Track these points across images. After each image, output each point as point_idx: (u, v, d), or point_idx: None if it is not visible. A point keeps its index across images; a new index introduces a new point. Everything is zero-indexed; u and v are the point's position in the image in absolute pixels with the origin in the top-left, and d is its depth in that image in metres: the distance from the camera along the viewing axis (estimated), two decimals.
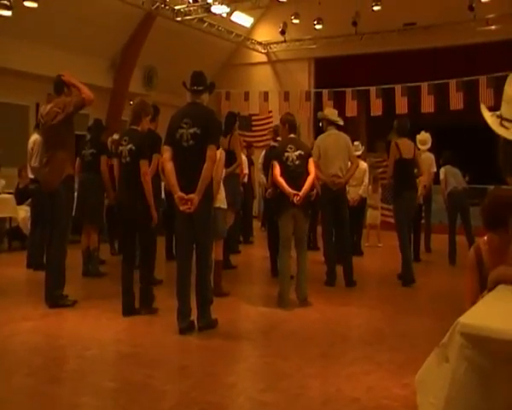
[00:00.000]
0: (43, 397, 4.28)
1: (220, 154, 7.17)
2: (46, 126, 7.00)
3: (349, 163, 8.60)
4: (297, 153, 7.29)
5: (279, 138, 9.35)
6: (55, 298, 6.82)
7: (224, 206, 7.59)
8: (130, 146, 6.57)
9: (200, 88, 6.03)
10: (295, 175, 7.24)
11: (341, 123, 8.86)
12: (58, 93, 7.09)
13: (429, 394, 2.41)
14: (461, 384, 2.17)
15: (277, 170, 7.35)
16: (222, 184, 7.47)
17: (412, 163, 8.65)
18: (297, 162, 7.26)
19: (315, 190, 10.26)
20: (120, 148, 6.67)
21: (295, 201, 7.10)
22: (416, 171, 8.83)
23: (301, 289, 7.31)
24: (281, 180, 7.27)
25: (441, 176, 10.91)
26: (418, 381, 2.58)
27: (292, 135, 7.57)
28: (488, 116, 2.68)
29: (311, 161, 7.43)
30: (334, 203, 8.48)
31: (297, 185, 7.18)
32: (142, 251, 6.81)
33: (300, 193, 7.12)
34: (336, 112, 9.10)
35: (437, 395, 2.31)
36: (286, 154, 7.32)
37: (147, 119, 6.95)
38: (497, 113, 2.66)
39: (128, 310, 6.53)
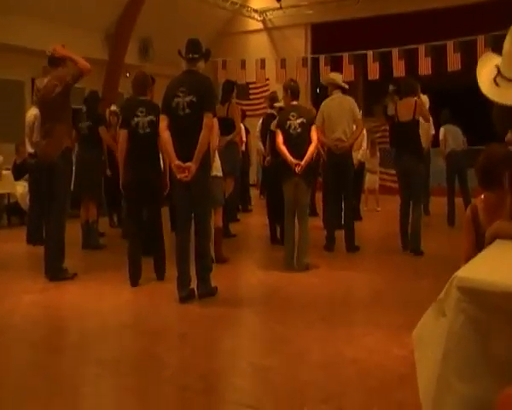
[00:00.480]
0: (45, 369, 4.29)
1: (214, 122, 7.14)
2: (44, 99, 6.91)
3: (354, 126, 8.46)
4: (299, 121, 7.23)
5: (276, 105, 9.30)
6: (55, 271, 6.81)
7: (220, 174, 7.58)
8: (150, 117, 6.53)
9: (196, 56, 5.95)
10: (297, 143, 7.20)
11: (346, 87, 8.72)
12: (53, 65, 6.98)
13: (427, 348, 2.42)
14: (458, 338, 2.17)
15: (280, 138, 7.33)
16: (217, 152, 7.43)
17: (411, 126, 8.18)
18: (299, 130, 7.22)
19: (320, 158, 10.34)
20: (136, 119, 6.57)
21: (297, 170, 7.10)
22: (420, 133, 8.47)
23: (301, 258, 7.31)
24: (283, 149, 7.24)
25: (440, 136, 10.79)
26: (415, 337, 2.58)
27: (295, 102, 7.50)
28: (483, 73, 2.63)
29: (313, 128, 7.37)
30: (339, 168, 8.38)
31: (299, 154, 7.15)
32: (154, 222, 6.82)
33: (302, 162, 7.10)
34: (341, 76, 8.99)
35: (434, 349, 2.31)
36: (288, 122, 7.27)
37: (152, 88, 6.93)
38: (498, 63, 2.60)
39: (136, 281, 6.55)
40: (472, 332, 2.15)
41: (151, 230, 6.90)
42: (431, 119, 9.91)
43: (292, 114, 7.30)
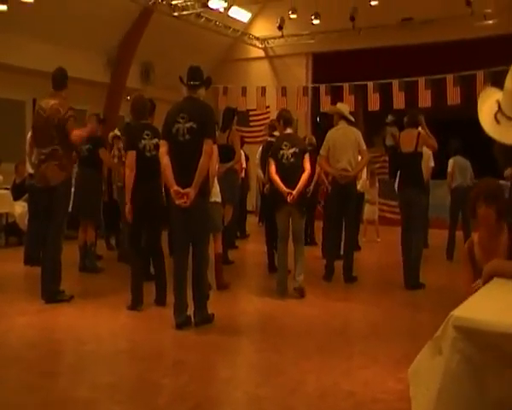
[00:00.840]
0: (38, 391, 4.27)
1: (214, 149, 7.19)
2: (48, 121, 6.89)
3: (359, 158, 8.48)
4: (291, 150, 7.33)
5: (276, 133, 9.36)
6: (52, 293, 6.81)
7: (219, 199, 7.62)
8: (156, 140, 6.60)
9: (197, 83, 6.02)
10: (290, 172, 7.29)
11: (353, 119, 8.76)
12: (58, 88, 7.02)
13: (422, 385, 2.43)
14: (453, 376, 2.18)
15: (273, 168, 7.44)
16: (216, 178, 7.47)
17: (413, 157, 8.04)
18: (292, 160, 7.32)
19: (312, 185, 10.38)
20: (143, 142, 6.67)
21: (288, 200, 7.18)
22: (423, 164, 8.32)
23: (298, 277, 7.37)
24: (275, 178, 7.35)
25: (449, 168, 10.63)
26: (411, 373, 2.59)
27: (288, 130, 7.59)
28: (484, 109, 2.64)
29: (306, 157, 7.45)
30: (342, 197, 8.40)
31: (292, 183, 7.24)
32: (155, 244, 6.86)
33: (294, 192, 7.19)
34: (348, 108, 9.04)
35: (430, 386, 2.32)
36: (281, 151, 7.38)
37: (151, 113, 7.00)
38: (500, 98, 2.61)
39: (138, 304, 6.57)
40: (467, 371, 2.16)
41: (152, 254, 6.94)
42: (430, 151, 9.80)
43: (285, 143, 7.40)
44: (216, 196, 7.46)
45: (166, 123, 5.98)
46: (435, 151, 8.37)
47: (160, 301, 6.73)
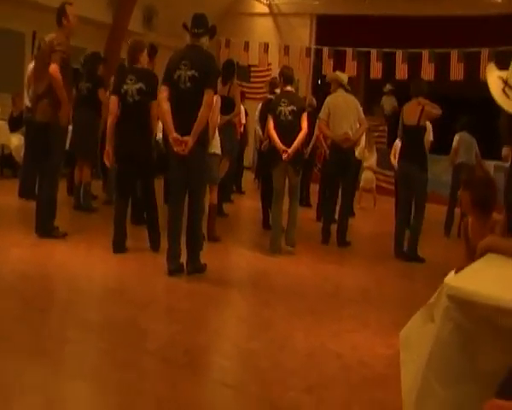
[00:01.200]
0: (29, 324, 4.35)
1: (216, 99, 7.16)
2: (44, 55, 6.82)
3: (358, 125, 8.46)
4: (289, 108, 7.33)
5: (277, 91, 9.33)
6: (46, 229, 6.84)
7: (219, 152, 7.62)
8: (140, 85, 6.48)
9: (201, 31, 5.95)
10: (287, 130, 7.30)
11: (349, 88, 8.72)
12: (58, 24, 6.89)
13: (413, 351, 2.49)
14: (444, 344, 2.23)
15: (271, 123, 7.45)
16: (217, 130, 7.47)
17: (416, 130, 7.88)
18: (289, 118, 7.32)
19: (310, 146, 10.42)
20: (125, 87, 6.53)
21: (283, 157, 7.21)
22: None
23: (290, 235, 7.48)
24: (273, 134, 7.37)
25: (454, 143, 10.42)
26: (403, 338, 2.66)
27: (288, 88, 7.56)
28: (493, 81, 2.66)
29: (304, 116, 7.44)
30: (341, 163, 8.38)
31: (289, 140, 7.26)
32: (146, 191, 6.85)
33: (289, 150, 7.21)
34: (347, 77, 8.94)
35: (420, 352, 2.37)
36: (279, 108, 7.37)
37: (143, 55, 6.83)
38: (504, 75, 2.64)
39: (119, 247, 6.55)
40: (459, 340, 2.22)
41: (144, 201, 6.95)
42: (430, 124, 9.39)
43: (283, 100, 7.40)
44: (216, 147, 7.46)
45: (168, 69, 5.92)
46: (438, 117, 8.17)
47: (154, 246, 6.77)
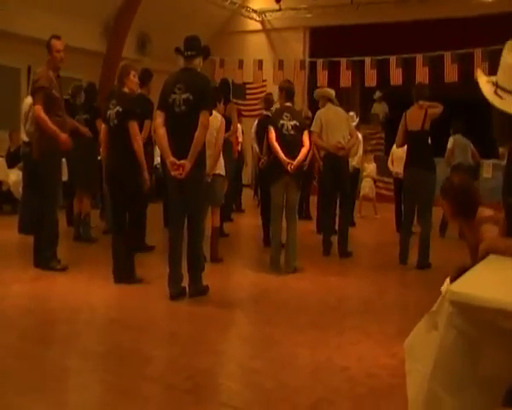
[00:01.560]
0: (30, 359, 4.29)
1: (221, 121, 7.19)
2: (33, 88, 6.88)
3: (349, 137, 8.56)
4: (292, 123, 7.27)
5: (273, 109, 9.33)
6: (47, 260, 6.80)
7: (223, 172, 7.60)
8: (117, 108, 6.40)
9: (193, 53, 5.93)
10: (290, 144, 7.24)
11: (338, 103, 8.88)
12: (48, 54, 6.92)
13: (417, 361, 2.43)
14: (448, 352, 2.18)
15: (273, 135, 7.35)
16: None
17: (421, 135, 7.85)
18: (292, 132, 7.27)
19: (307, 160, 10.40)
20: (108, 112, 6.48)
21: (289, 169, 7.13)
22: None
23: (289, 260, 7.33)
24: (276, 146, 7.28)
25: (449, 145, 10.56)
26: (407, 347, 2.60)
27: (288, 103, 7.53)
28: (484, 83, 2.65)
29: (306, 133, 7.43)
30: (336, 172, 8.43)
31: (291, 154, 7.20)
32: (130, 218, 6.58)
33: (295, 162, 7.15)
34: (334, 92, 9.05)
35: (425, 361, 2.33)
36: (281, 121, 7.31)
37: (129, 78, 6.77)
38: (493, 79, 2.64)
39: (119, 277, 6.45)
40: (463, 347, 2.16)
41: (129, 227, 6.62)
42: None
43: (286, 114, 7.34)
44: (220, 169, 7.45)
45: (163, 93, 5.92)
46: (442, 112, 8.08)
47: (126, 277, 6.43)
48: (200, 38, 6.17)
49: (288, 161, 7.15)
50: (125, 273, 6.43)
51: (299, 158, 7.20)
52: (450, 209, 3.82)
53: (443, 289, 3.22)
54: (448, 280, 3.16)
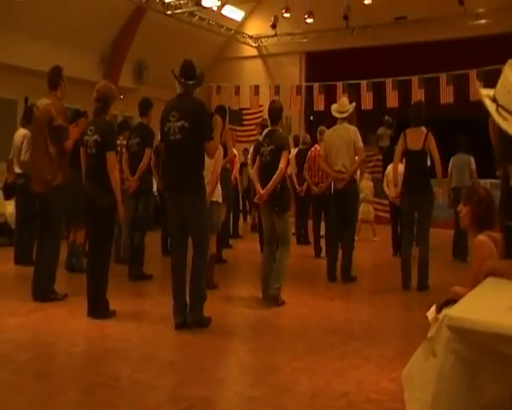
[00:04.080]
0: (29, 393, 4.22)
1: (219, 149, 7.12)
2: (41, 121, 6.81)
3: (355, 157, 8.38)
4: (269, 148, 7.02)
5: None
6: (47, 292, 6.75)
7: (220, 200, 7.57)
8: (95, 137, 6.23)
9: (193, 83, 5.87)
10: (266, 171, 7.01)
11: (341, 116, 8.50)
12: (52, 87, 6.89)
13: (416, 389, 2.40)
14: (448, 378, 2.16)
15: (255, 165, 7.28)
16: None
17: (421, 155, 7.81)
18: (268, 158, 7.01)
19: (304, 185, 10.47)
20: (86, 138, 6.32)
21: (255, 199, 7.03)
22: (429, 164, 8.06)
23: (268, 289, 7.00)
24: (253, 176, 7.25)
25: (449, 167, 10.54)
26: (405, 376, 2.57)
27: (272, 126, 7.26)
28: (490, 104, 2.57)
29: (283, 155, 6.97)
30: (340, 198, 8.34)
31: (267, 181, 6.93)
32: (94, 249, 6.39)
33: (262, 191, 6.92)
34: (343, 101, 8.84)
35: (424, 389, 2.30)
36: (262, 148, 7.15)
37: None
38: (491, 94, 2.58)
39: (90, 310, 6.23)
40: (462, 373, 2.14)
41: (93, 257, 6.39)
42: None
43: (266, 140, 7.15)
44: (218, 196, 7.41)
45: (161, 122, 5.90)
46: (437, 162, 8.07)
47: (91, 312, 6.22)
48: (196, 65, 6.05)
49: (258, 190, 6.98)
50: (97, 307, 6.20)
51: (268, 186, 6.87)
52: (470, 216, 3.80)
53: (428, 314, 3.20)
54: (434, 307, 3.13)
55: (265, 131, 7.59)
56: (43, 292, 6.77)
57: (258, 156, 7.24)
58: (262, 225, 9.37)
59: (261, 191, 6.93)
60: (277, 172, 6.87)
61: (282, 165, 6.92)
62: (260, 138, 9.34)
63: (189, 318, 5.83)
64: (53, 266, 6.83)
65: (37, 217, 7.30)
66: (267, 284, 7.03)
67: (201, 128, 5.74)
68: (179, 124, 5.69)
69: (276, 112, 7.30)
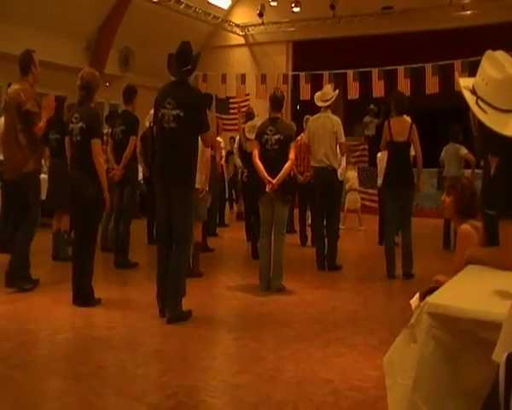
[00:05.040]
0: (11, 383, 4.20)
1: (220, 140, 7.11)
2: (10, 107, 6.73)
3: (337, 148, 8.38)
4: (276, 137, 6.96)
5: (256, 121, 9.31)
6: (17, 279, 6.63)
7: (206, 187, 7.54)
8: (80, 124, 6.20)
9: (188, 68, 5.75)
10: (273, 160, 6.95)
11: (325, 104, 8.41)
12: (23, 73, 6.75)
13: (397, 375, 2.42)
14: (428, 364, 2.17)
15: (256, 152, 7.13)
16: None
17: (405, 146, 7.88)
18: (275, 147, 6.96)
19: (291, 173, 10.40)
20: (71, 125, 6.30)
21: (267, 189, 6.91)
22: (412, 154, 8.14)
23: (275, 280, 7.08)
24: (258, 164, 7.03)
25: (441, 156, 10.69)
26: (386, 363, 2.58)
27: (275, 114, 7.24)
28: (469, 97, 2.60)
29: (292, 146, 7.04)
30: (324, 188, 8.37)
31: (275, 171, 6.91)
32: (80, 237, 6.39)
33: (274, 181, 6.88)
34: (326, 89, 8.77)
35: (405, 375, 2.31)
36: (265, 136, 7.03)
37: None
38: (470, 85, 2.60)
39: (76, 298, 6.23)
40: (442, 359, 2.16)
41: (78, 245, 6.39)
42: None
43: (270, 128, 7.03)
44: (198, 183, 7.37)
45: (154, 106, 5.82)
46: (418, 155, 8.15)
47: (79, 302, 6.22)
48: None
49: (268, 179, 6.90)
50: (82, 295, 6.20)
51: (280, 175, 6.87)
52: (454, 206, 3.84)
53: (412, 302, 3.23)
54: (417, 295, 3.16)
55: (265, 119, 7.51)
56: (15, 278, 6.62)
57: (258, 143, 7.14)
58: (248, 214, 9.45)
59: (272, 181, 6.88)
60: (289, 162, 6.95)
61: (292, 155, 6.99)
62: (256, 125, 9.18)
63: (168, 314, 5.67)
64: (25, 252, 6.69)
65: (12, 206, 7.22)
66: (267, 274, 7.08)
67: (198, 119, 5.65)
68: (174, 113, 5.58)
69: (278, 100, 7.30)
